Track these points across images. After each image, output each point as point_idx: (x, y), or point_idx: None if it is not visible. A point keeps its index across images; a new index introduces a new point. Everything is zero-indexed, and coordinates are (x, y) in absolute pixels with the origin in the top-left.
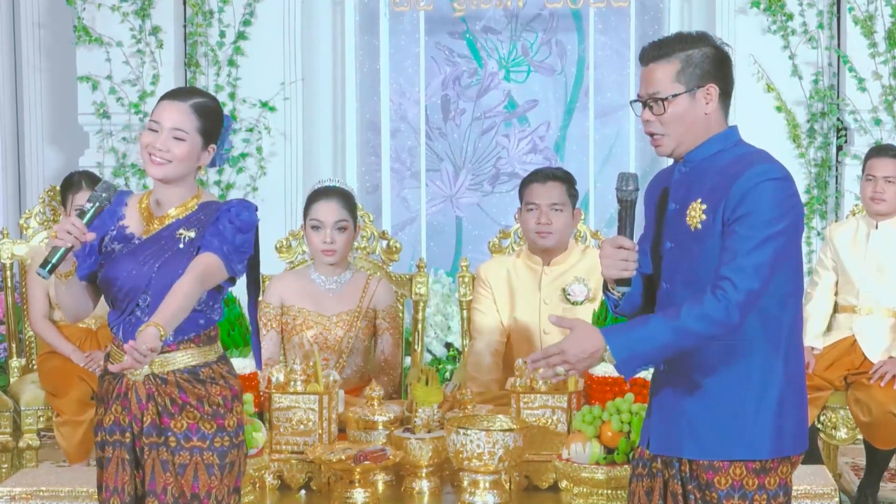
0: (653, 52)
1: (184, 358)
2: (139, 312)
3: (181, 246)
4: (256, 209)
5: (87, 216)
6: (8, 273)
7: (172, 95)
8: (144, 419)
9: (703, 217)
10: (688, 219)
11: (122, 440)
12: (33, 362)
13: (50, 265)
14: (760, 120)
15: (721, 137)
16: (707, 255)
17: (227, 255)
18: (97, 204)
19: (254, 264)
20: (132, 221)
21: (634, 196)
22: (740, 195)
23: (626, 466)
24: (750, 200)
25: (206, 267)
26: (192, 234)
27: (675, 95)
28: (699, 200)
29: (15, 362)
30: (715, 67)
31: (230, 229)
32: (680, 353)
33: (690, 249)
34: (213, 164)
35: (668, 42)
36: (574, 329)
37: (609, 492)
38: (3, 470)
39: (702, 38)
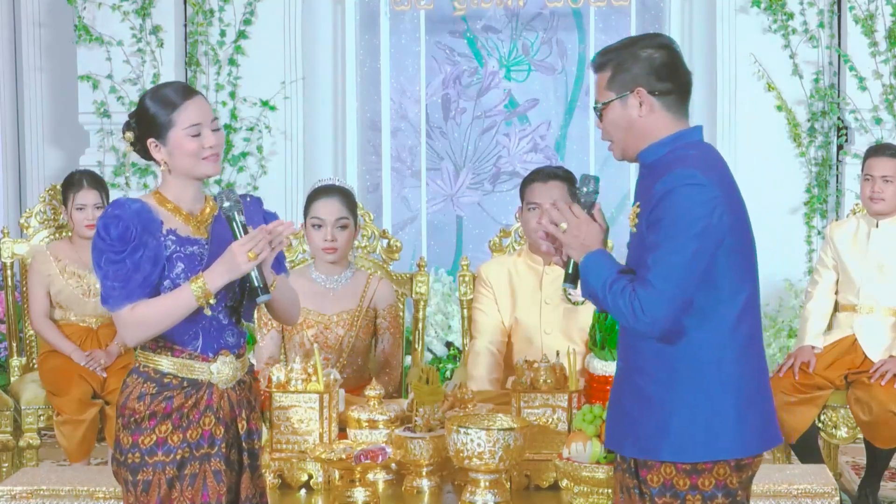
0: (595, 62)
1: (247, 357)
2: (222, 317)
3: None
4: None
5: (239, 227)
6: (8, 272)
7: (186, 94)
8: (238, 425)
9: (637, 220)
10: (629, 221)
11: (213, 451)
12: (34, 361)
13: (260, 285)
14: (761, 119)
15: (671, 139)
16: (639, 257)
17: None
18: (234, 213)
19: None
20: (173, 224)
21: (594, 198)
22: (657, 199)
23: None
24: (664, 205)
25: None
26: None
27: (606, 103)
28: (637, 203)
29: (15, 361)
30: (647, 70)
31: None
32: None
33: (632, 251)
34: None
35: (607, 49)
36: (587, 222)
37: (609, 491)
38: (4, 469)
39: (641, 41)
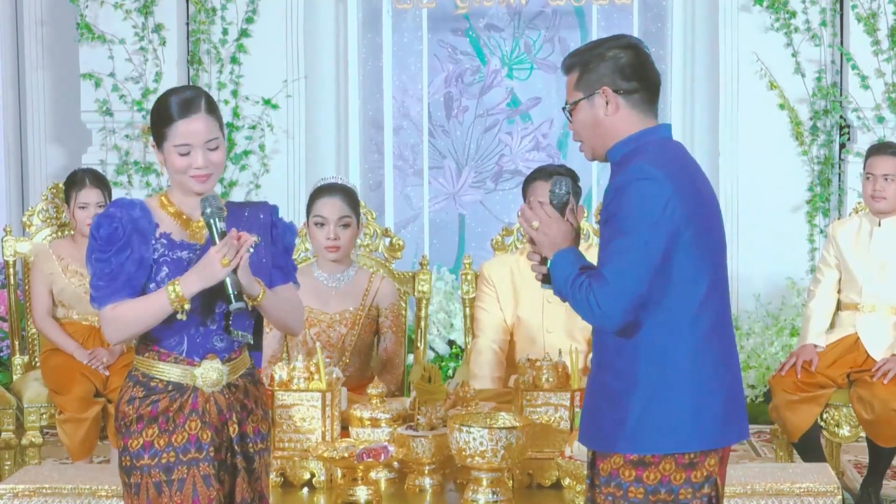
0: (564, 64)
1: (244, 361)
2: (211, 324)
3: (251, 250)
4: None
5: (217, 233)
6: (11, 270)
7: (183, 111)
8: (229, 429)
9: (599, 217)
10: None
11: (202, 456)
12: (36, 359)
13: (234, 293)
14: (763, 118)
15: (635, 137)
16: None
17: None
18: (214, 219)
19: None
20: (170, 227)
21: (566, 199)
22: (611, 194)
23: None
24: (617, 200)
25: (302, 307)
26: (257, 239)
27: (575, 103)
28: (602, 200)
29: (18, 359)
30: (613, 70)
31: (292, 248)
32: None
33: (599, 247)
34: None
35: (574, 52)
36: (557, 221)
37: None
38: (6, 467)
39: (608, 42)
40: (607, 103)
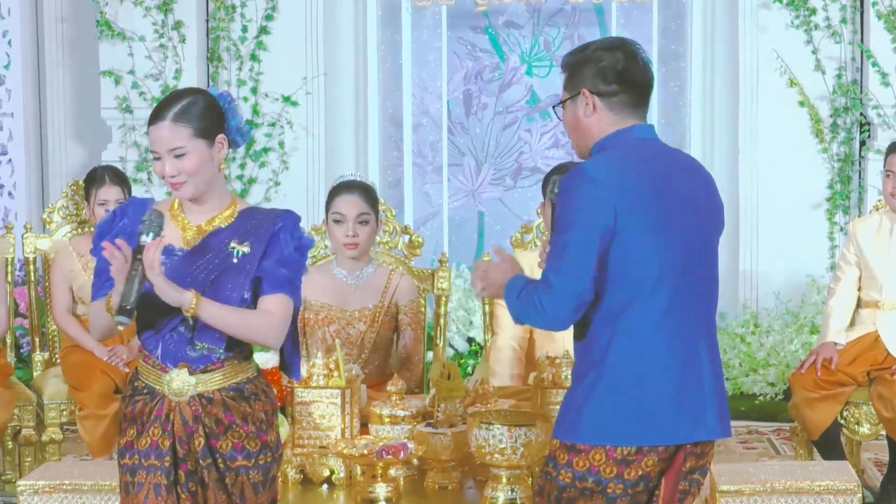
0: (560, 65)
1: (229, 375)
2: (183, 329)
3: (235, 261)
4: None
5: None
6: (31, 267)
7: (153, 118)
8: (195, 442)
9: None
10: None
11: (160, 464)
12: (56, 356)
13: (130, 307)
14: (783, 115)
15: (608, 138)
16: None
17: (296, 288)
18: (152, 234)
19: None
20: (167, 231)
21: None
22: (557, 197)
23: None
24: (559, 201)
25: (282, 320)
26: (247, 249)
27: (561, 102)
28: None
29: (38, 356)
30: (594, 72)
31: (296, 259)
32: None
33: None
34: (236, 146)
35: (568, 53)
36: (504, 260)
37: None
38: (27, 463)
39: (596, 44)
40: (587, 104)
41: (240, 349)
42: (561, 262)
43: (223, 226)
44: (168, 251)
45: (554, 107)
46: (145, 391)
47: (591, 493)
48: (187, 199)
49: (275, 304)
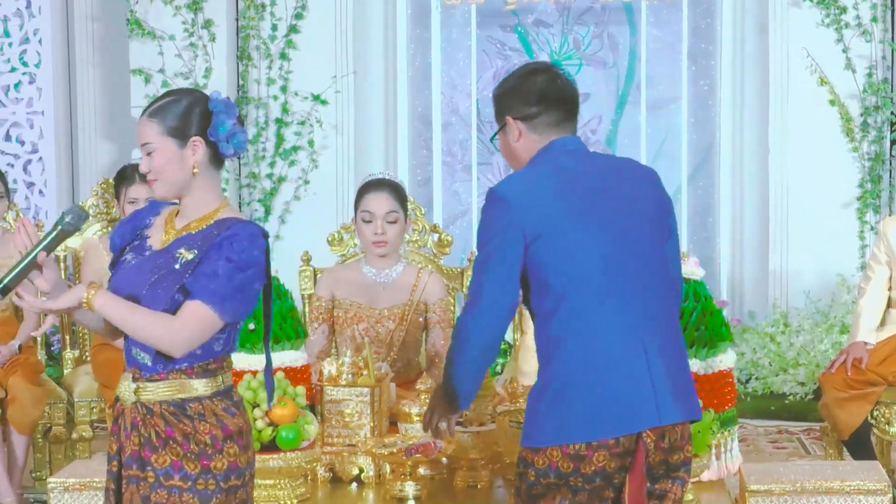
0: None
1: (171, 389)
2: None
3: (177, 266)
4: (266, 235)
5: (47, 239)
6: (62, 265)
7: (144, 110)
8: (127, 449)
9: None
10: None
11: (109, 468)
12: (87, 354)
13: (4, 286)
14: (813, 114)
15: (535, 156)
16: None
17: (222, 300)
18: (60, 228)
19: (266, 293)
20: (154, 232)
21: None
22: None
23: None
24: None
25: (186, 328)
26: (191, 256)
27: (497, 132)
28: None
29: (69, 354)
30: (514, 99)
31: (228, 269)
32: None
33: None
34: (226, 156)
35: (496, 85)
36: (431, 409)
37: None
38: (57, 460)
39: (513, 72)
40: (514, 131)
41: (188, 363)
42: (480, 277)
43: (193, 231)
44: (143, 249)
45: (491, 139)
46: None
47: (557, 487)
48: (160, 199)
49: (185, 311)
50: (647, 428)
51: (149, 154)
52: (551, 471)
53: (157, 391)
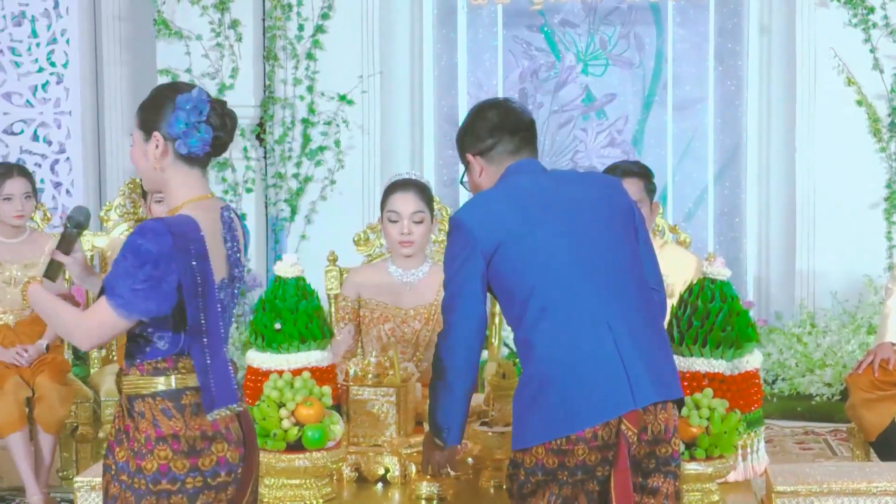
0: None
1: (129, 385)
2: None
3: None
4: (167, 233)
5: (58, 242)
6: (89, 265)
7: None
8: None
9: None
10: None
11: None
12: (113, 353)
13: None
14: (841, 114)
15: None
16: None
17: (118, 296)
18: (64, 231)
19: (194, 290)
20: None
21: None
22: None
23: (706, 462)
24: None
25: (88, 324)
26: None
27: (464, 173)
28: None
29: (95, 353)
30: (469, 138)
31: (123, 266)
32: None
33: None
34: (183, 154)
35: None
36: (426, 462)
37: (684, 486)
38: (84, 459)
39: (469, 113)
40: (475, 167)
41: (140, 360)
42: (452, 301)
43: None
44: None
45: (461, 181)
46: None
47: (546, 483)
48: (148, 190)
49: (92, 307)
50: (623, 413)
51: (131, 146)
52: (539, 468)
53: (124, 387)
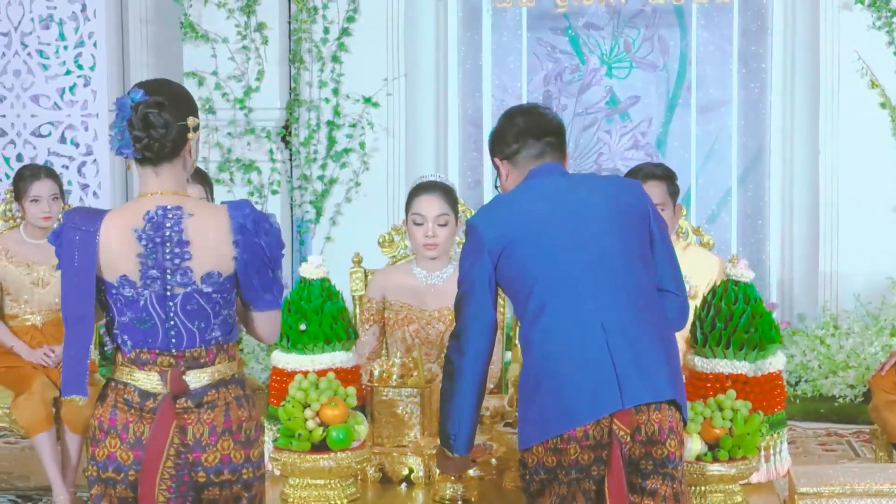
0: None
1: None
2: None
3: None
4: (69, 225)
5: None
6: None
7: None
8: None
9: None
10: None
11: None
12: None
13: None
14: (864, 116)
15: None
16: None
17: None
18: None
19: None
20: None
21: None
22: None
23: (730, 463)
24: None
25: None
26: None
27: (496, 177)
28: None
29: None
30: (497, 142)
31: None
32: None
33: None
34: (118, 155)
35: None
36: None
37: (709, 487)
38: None
39: (499, 119)
40: (502, 171)
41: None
42: (461, 300)
43: None
44: None
45: (494, 186)
46: None
47: (549, 482)
48: None
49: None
50: (610, 412)
51: None
52: (541, 467)
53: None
